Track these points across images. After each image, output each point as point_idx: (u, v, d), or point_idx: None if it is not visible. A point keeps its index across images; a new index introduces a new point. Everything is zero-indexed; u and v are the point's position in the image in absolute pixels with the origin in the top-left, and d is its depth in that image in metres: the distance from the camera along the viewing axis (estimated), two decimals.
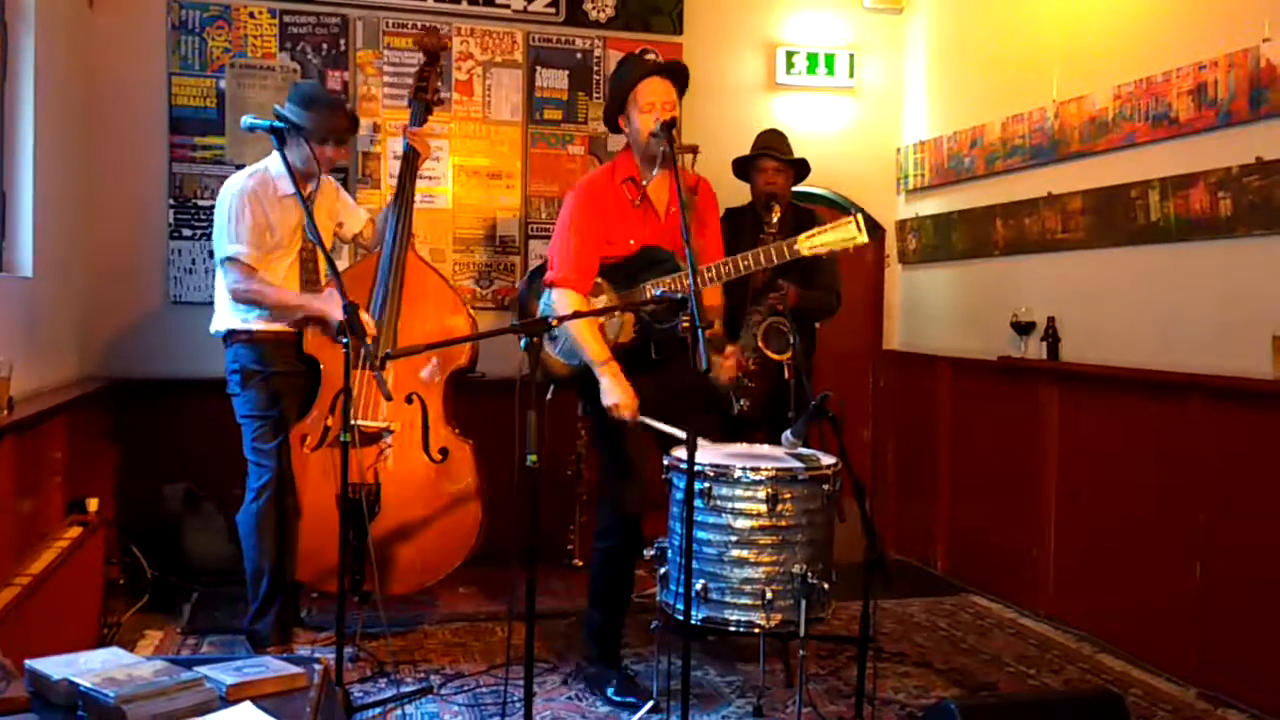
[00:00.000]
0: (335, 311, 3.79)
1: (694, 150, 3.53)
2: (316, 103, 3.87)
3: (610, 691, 3.59)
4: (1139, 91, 4.20)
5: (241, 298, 3.84)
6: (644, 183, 3.57)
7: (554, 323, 3.10)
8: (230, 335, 3.89)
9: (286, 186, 3.83)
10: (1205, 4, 3.97)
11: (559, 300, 3.53)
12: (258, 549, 3.86)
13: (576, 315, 3.33)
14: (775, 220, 4.36)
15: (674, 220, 3.52)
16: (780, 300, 4.29)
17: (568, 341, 3.53)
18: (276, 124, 3.63)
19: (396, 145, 5.01)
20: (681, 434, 3.09)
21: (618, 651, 3.73)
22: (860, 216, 3.31)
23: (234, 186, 3.87)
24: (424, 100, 4.34)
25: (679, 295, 3.18)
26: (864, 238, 3.32)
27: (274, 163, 3.87)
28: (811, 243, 3.36)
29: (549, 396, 5.03)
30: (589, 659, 3.76)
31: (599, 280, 3.59)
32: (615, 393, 3.40)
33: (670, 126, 3.39)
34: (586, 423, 4.85)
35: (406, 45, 5.22)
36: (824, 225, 3.41)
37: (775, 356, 4.32)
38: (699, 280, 3.42)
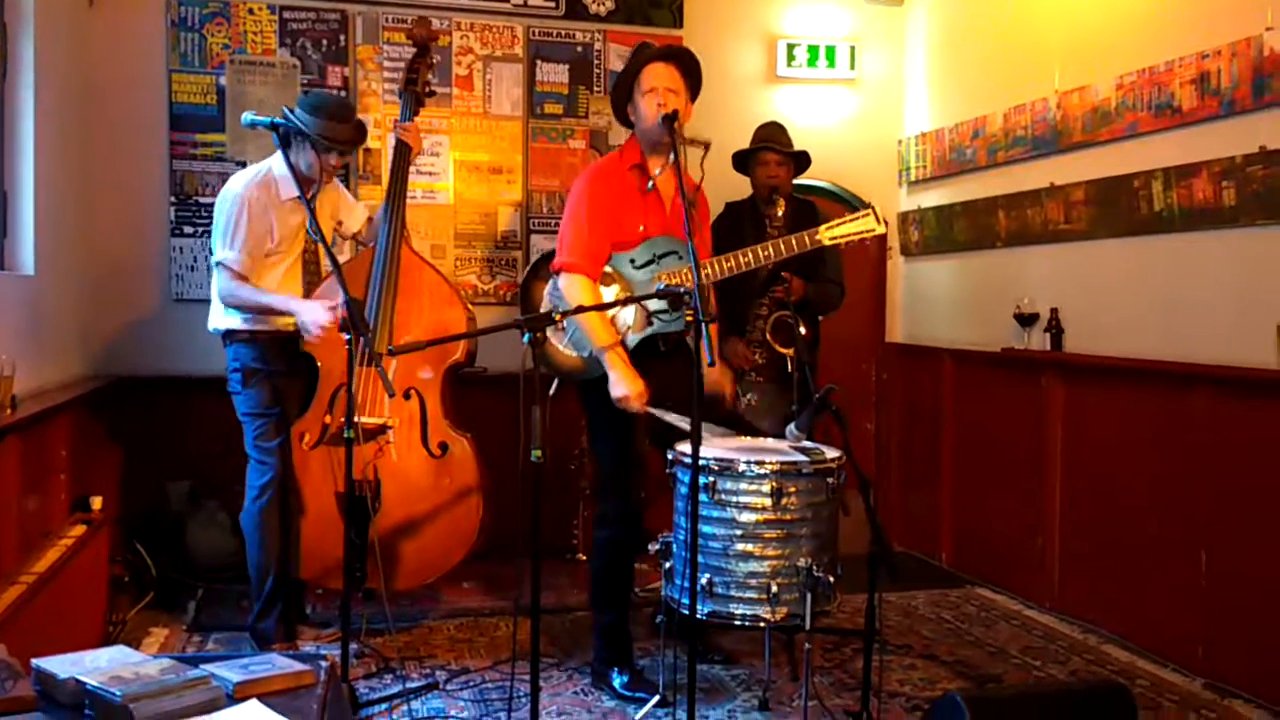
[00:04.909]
0: (308, 315, 3.73)
1: (706, 145, 3.50)
2: (324, 111, 3.80)
3: (619, 685, 3.58)
4: (1141, 81, 4.19)
5: (228, 303, 3.85)
6: (655, 172, 3.54)
7: (558, 318, 3.08)
8: (229, 334, 3.89)
9: (289, 189, 3.82)
10: None
11: (567, 286, 3.48)
12: (261, 547, 3.86)
13: (581, 309, 3.29)
14: (780, 215, 4.35)
15: (678, 211, 3.51)
16: (785, 293, 4.28)
17: (576, 331, 3.50)
18: (278, 121, 3.61)
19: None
20: (686, 423, 3.08)
21: (629, 647, 3.69)
22: (877, 208, 3.54)
23: (234, 190, 3.83)
24: (414, 93, 4.24)
25: (682, 289, 3.17)
26: (882, 229, 3.56)
27: (277, 163, 3.85)
28: (833, 233, 3.51)
29: (551, 392, 5.01)
30: (600, 659, 3.70)
31: (610, 270, 3.55)
32: (624, 384, 3.39)
33: (671, 120, 3.37)
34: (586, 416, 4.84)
35: (406, 40, 5.19)
36: (842, 217, 3.59)
37: (782, 350, 4.32)
38: (713, 270, 3.46)
